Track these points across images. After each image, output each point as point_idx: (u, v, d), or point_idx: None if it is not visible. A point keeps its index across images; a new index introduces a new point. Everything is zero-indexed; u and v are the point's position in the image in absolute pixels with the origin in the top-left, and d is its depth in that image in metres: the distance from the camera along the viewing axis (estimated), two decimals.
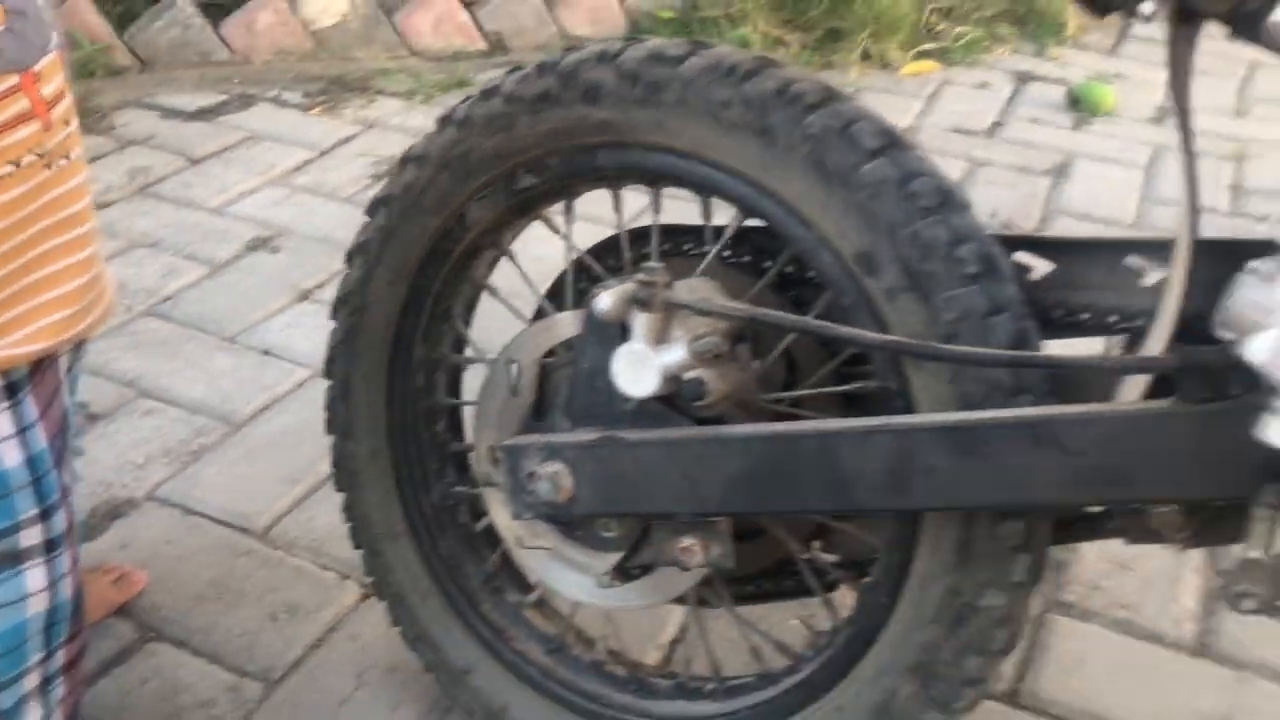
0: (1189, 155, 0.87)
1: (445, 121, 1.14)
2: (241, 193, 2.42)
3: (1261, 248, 0.86)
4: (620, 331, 1.00)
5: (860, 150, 0.96)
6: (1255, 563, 0.76)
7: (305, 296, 2.08)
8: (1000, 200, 2.50)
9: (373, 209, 1.20)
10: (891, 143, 0.97)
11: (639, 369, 0.98)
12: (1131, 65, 3.24)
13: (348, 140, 2.66)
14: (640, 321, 0.97)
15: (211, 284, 2.10)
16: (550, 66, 1.08)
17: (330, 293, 2.06)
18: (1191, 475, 0.81)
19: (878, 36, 3.19)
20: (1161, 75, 2.93)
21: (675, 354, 0.96)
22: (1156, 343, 0.91)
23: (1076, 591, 1.50)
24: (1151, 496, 0.85)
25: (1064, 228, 2.40)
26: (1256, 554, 0.76)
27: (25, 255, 0.95)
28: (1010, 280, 0.96)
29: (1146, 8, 0.78)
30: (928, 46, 3.24)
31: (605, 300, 0.98)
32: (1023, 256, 1.05)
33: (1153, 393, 0.90)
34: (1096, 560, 1.55)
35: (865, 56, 3.16)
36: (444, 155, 1.14)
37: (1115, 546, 1.58)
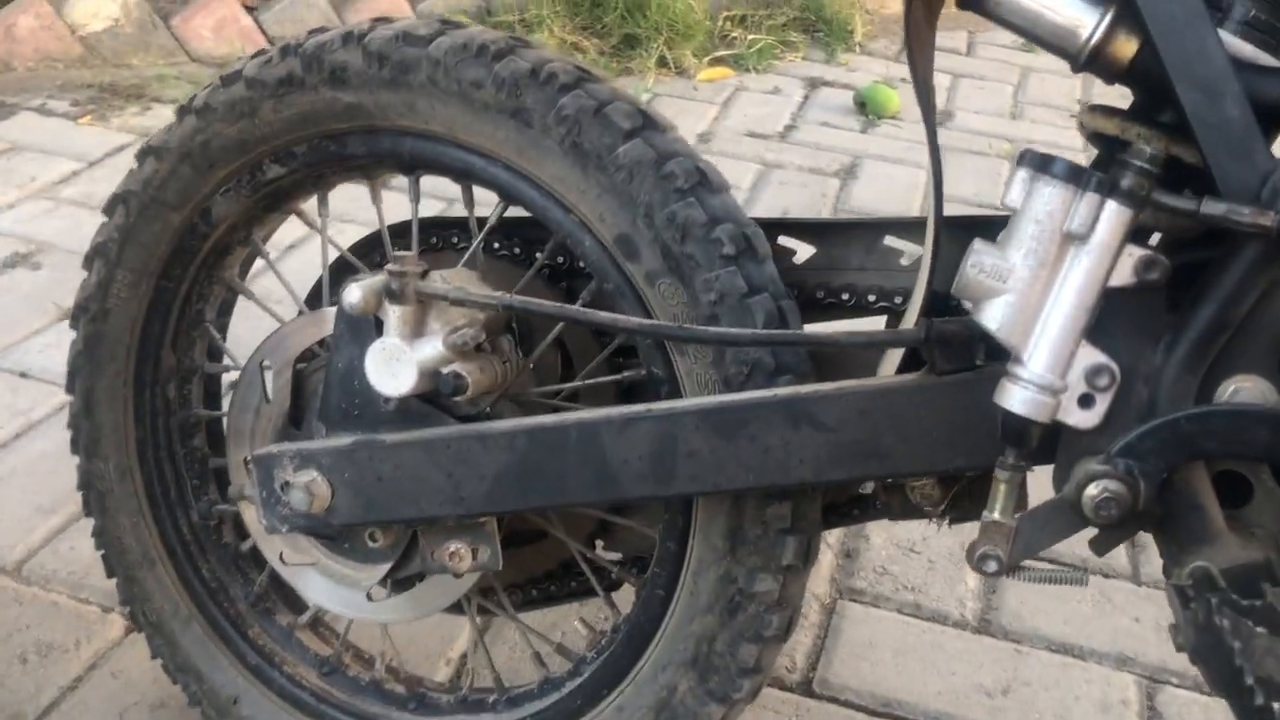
0: (931, 135, 0.88)
1: (185, 110, 1.07)
2: (1, 206, 2.24)
3: (1003, 222, 0.88)
4: (375, 327, 0.95)
5: (616, 131, 0.94)
6: (996, 525, 0.76)
7: (68, 315, 1.93)
8: (792, 200, 2.55)
9: (110, 207, 1.11)
10: (647, 123, 0.95)
11: (394, 365, 0.93)
12: None
13: (120, 150, 2.50)
14: (393, 315, 0.92)
15: None
16: (294, 48, 1.02)
17: None
18: (941, 446, 0.82)
19: (673, 43, 3.21)
20: (944, 80, 3.02)
21: (430, 348, 0.92)
22: (909, 319, 0.92)
23: (866, 577, 1.52)
24: (906, 470, 0.85)
25: None
26: (997, 516, 0.76)
27: None
28: (768, 260, 0.95)
29: None
30: (722, 53, 3.29)
31: (354, 293, 0.93)
32: (786, 240, 1.05)
33: (912, 368, 0.90)
34: (884, 545, 1.58)
35: (662, 63, 3.18)
36: (184, 146, 1.06)
37: (902, 530, 1.61)
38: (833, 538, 1.59)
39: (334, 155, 1.04)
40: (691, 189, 0.93)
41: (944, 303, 0.88)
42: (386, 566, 1.03)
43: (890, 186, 2.63)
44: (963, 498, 0.89)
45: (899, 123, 3.00)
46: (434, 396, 0.95)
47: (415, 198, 1.06)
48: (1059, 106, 3.14)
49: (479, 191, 1.03)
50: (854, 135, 2.92)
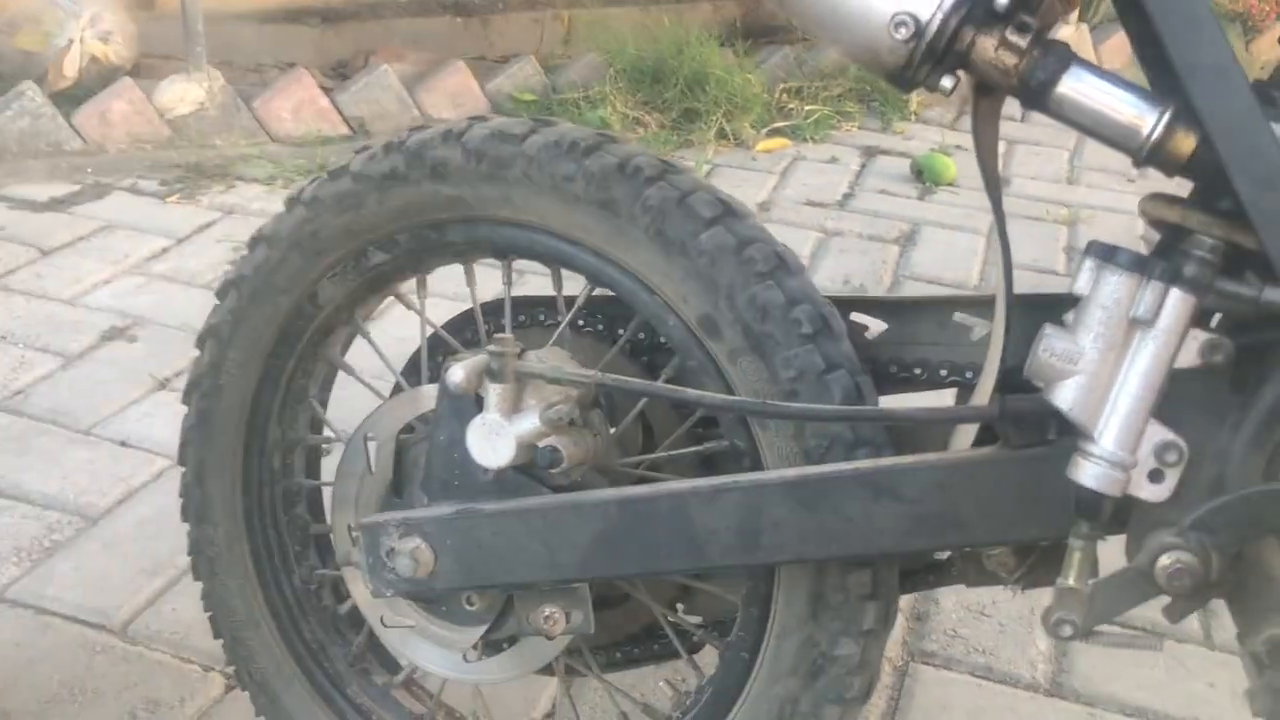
0: (999, 219, 0.94)
1: (294, 201, 1.15)
2: (96, 283, 2.36)
3: (1070, 301, 0.93)
4: (474, 403, 1.01)
5: (698, 219, 1.00)
6: (1071, 591, 0.80)
7: (164, 385, 2.03)
8: (853, 268, 2.60)
9: (223, 291, 1.19)
10: (727, 211, 1.02)
11: (494, 439, 0.99)
12: (969, 138, 3.41)
13: (207, 227, 2.63)
14: (493, 392, 0.99)
15: (65, 376, 2.04)
16: (397, 145, 1.10)
17: None
18: (1016, 517, 0.86)
19: (731, 116, 3.30)
20: (998, 146, 3.08)
21: (528, 423, 0.98)
22: (980, 394, 0.96)
23: (938, 640, 1.55)
24: (983, 540, 0.89)
25: (914, 293, 2.51)
26: (1072, 583, 0.80)
27: None
28: (844, 338, 1.01)
29: (946, 84, 0.85)
30: (780, 124, 3.37)
31: (458, 373, 1.00)
32: (859, 317, 1.11)
33: (984, 442, 0.95)
34: (954, 609, 1.61)
35: (721, 135, 3.27)
36: (294, 235, 1.14)
37: (972, 594, 1.64)
38: (904, 601, 1.61)
39: (434, 243, 1.11)
40: (770, 272, 0.99)
41: (1016, 378, 0.92)
42: (482, 629, 1.08)
43: (949, 253, 2.68)
44: (1037, 565, 0.93)
45: (956, 190, 3.05)
46: (529, 467, 1.01)
47: (508, 280, 1.14)
48: (1115, 171, 3.18)
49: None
50: (912, 202, 2.98)
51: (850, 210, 2.92)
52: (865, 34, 0.83)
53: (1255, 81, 0.83)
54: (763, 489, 0.93)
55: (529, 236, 1.08)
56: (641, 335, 1.13)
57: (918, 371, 1.07)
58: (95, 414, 1.94)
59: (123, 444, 1.88)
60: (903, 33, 0.82)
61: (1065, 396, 0.80)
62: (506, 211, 1.07)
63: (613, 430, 1.07)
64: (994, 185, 0.94)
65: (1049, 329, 0.81)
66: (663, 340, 1.12)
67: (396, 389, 1.22)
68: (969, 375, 1.05)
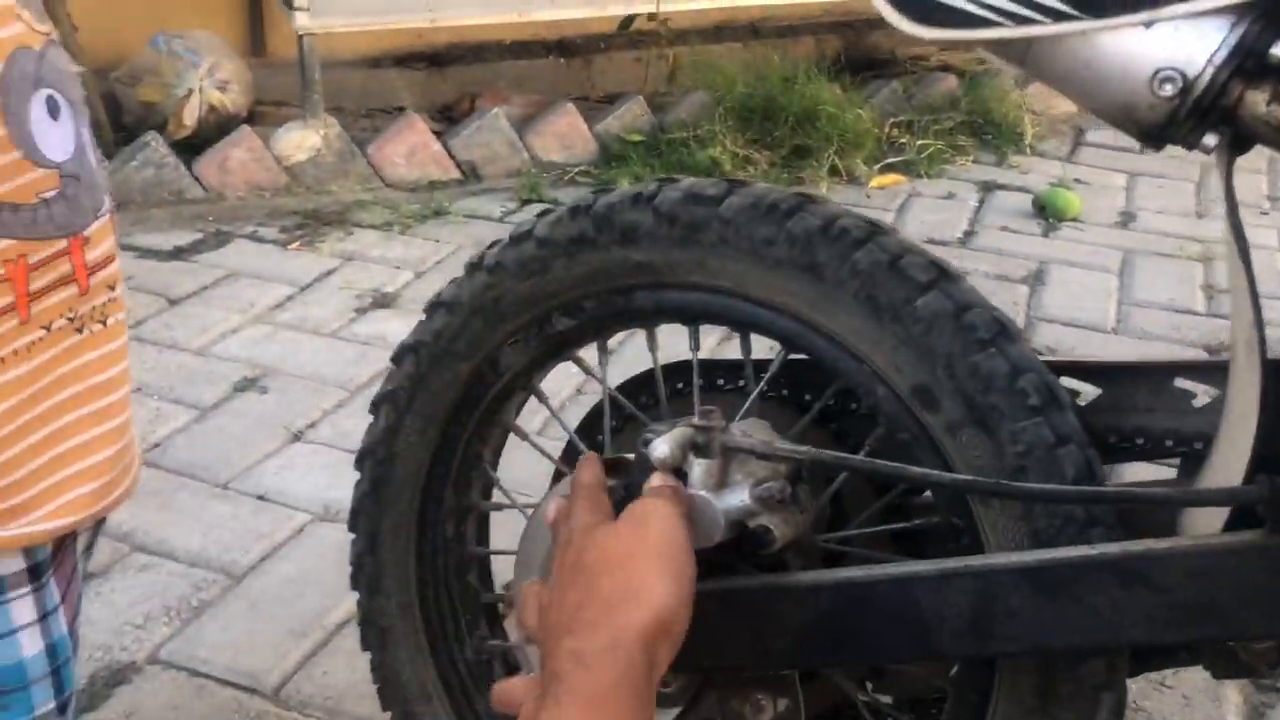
0: (1250, 279, 0.87)
1: (475, 267, 1.13)
2: (224, 332, 2.38)
3: None
4: (679, 478, 0.97)
5: (912, 284, 0.95)
6: None
7: (298, 437, 2.03)
8: None
9: (399, 356, 1.17)
10: (941, 275, 0.97)
11: (701, 518, 0.95)
12: (1089, 171, 3.33)
13: (328, 274, 2.64)
14: (699, 468, 0.94)
15: (200, 428, 2.05)
16: (584, 210, 1.07)
17: (323, 432, 2.04)
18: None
19: (843, 152, 3.25)
20: (1120, 180, 2.99)
21: (738, 500, 0.93)
22: (1224, 469, 0.89)
23: None
24: (1247, 633, 0.82)
25: (1048, 335, 2.43)
26: None
27: (52, 424, 0.90)
28: (1069, 409, 0.95)
29: (1209, 141, 0.79)
30: (892, 160, 3.31)
31: (662, 447, 0.95)
32: (1069, 382, 1.05)
33: (1236, 523, 0.88)
34: (1135, 680, 1.52)
35: (833, 172, 3.22)
36: (476, 301, 1.11)
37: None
38: None
39: (620, 308, 1.08)
40: (992, 339, 0.94)
41: (1273, 455, 0.86)
42: (676, 711, 1.03)
43: (1081, 293, 2.59)
44: None
45: (1080, 226, 2.96)
46: (731, 545, 0.97)
47: (695, 347, 1.09)
48: (1247, 204, 3.06)
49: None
50: (1036, 240, 2.89)
51: (973, 248, 2.85)
52: (1123, 91, 0.78)
53: None
54: (997, 574, 0.87)
55: (722, 302, 1.04)
56: (833, 402, 1.09)
57: (1139, 441, 1.00)
58: (232, 467, 1.93)
59: (261, 498, 1.87)
60: (1167, 89, 0.76)
61: None
62: (699, 276, 1.03)
63: (817, 506, 1.02)
64: (1242, 241, 0.88)
65: None
66: (855, 408, 1.07)
67: (569, 452, 1.18)
68: (1197, 446, 0.98)
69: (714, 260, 1.01)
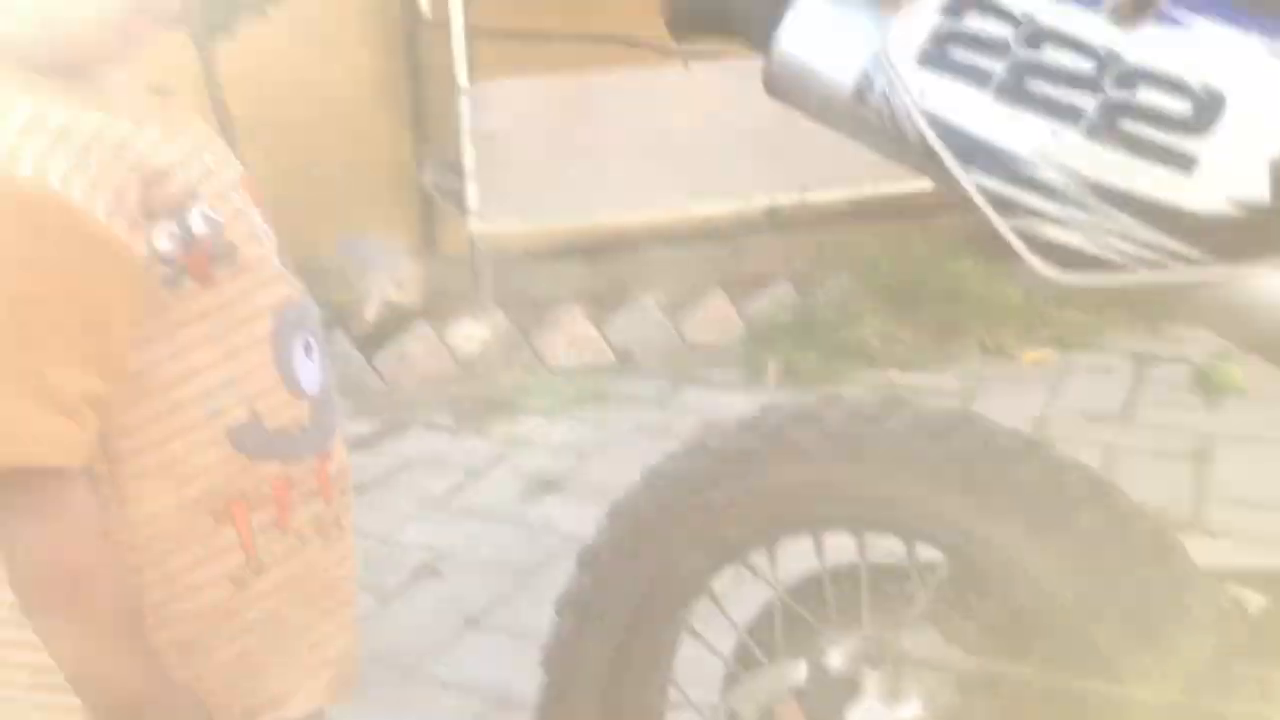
0: None
1: (653, 475, 1.22)
2: (403, 516, 2.53)
3: None
4: (849, 686, 1.02)
5: (1071, 499, 1.01)
6: None
7: (475, 624, 2.13)
8: (1145, 489, 2.49)
9: (584, 563, 1.26)
10: (1102, 490, 1.02)
11: None
12: None
13: (498, 460, 2.79)
14: (873, 679, 1.00)
15: (386, 613, 2.17)
16: (751, 425, 1.16)
17: (500, 618, 2.14)
18: None
19: (991, 327, 3.29)
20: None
21: (912, 713, 0.98)
22: None
23: None
24: None
25: (1220, 516, 2.38)
26: None
27: (299, 622, 1.01)
28: (1241, 622, 0.97)
29: None
30: (1044, 333, 3.32)
31: (836, 656, 1.01)
32: (1237, 591, 1.06)
33: None
34: None
35: (983, 347, 3.25)
36: (657, 507, 1.20)
37: None
38: None
39: (790, 518, 1.15)
40: (1156, 555, 0.98)
41: None
42: None
43: (1253, 470, 2.53)
44: None
45: (1244, 400, 2.91)
46: None
47: (863, 554, 1.16)
48: None
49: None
50: (1198, 414, 2.85)
51: (1132, 423, 2.83)
52: (1270, 326, 0.84)
53: None
54: None
55: (887, 513, 1.10)
56: (1013, 613, 1.12)
57: None
58: (418, 654, 2.04)
59: (443, 685, 1.96)
60: None
61: None
62: (865, 490, 1.10)
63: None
64: None
65: None
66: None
67: (742, 651, 1.24)
68: None
69: (878, 475, 1.09)
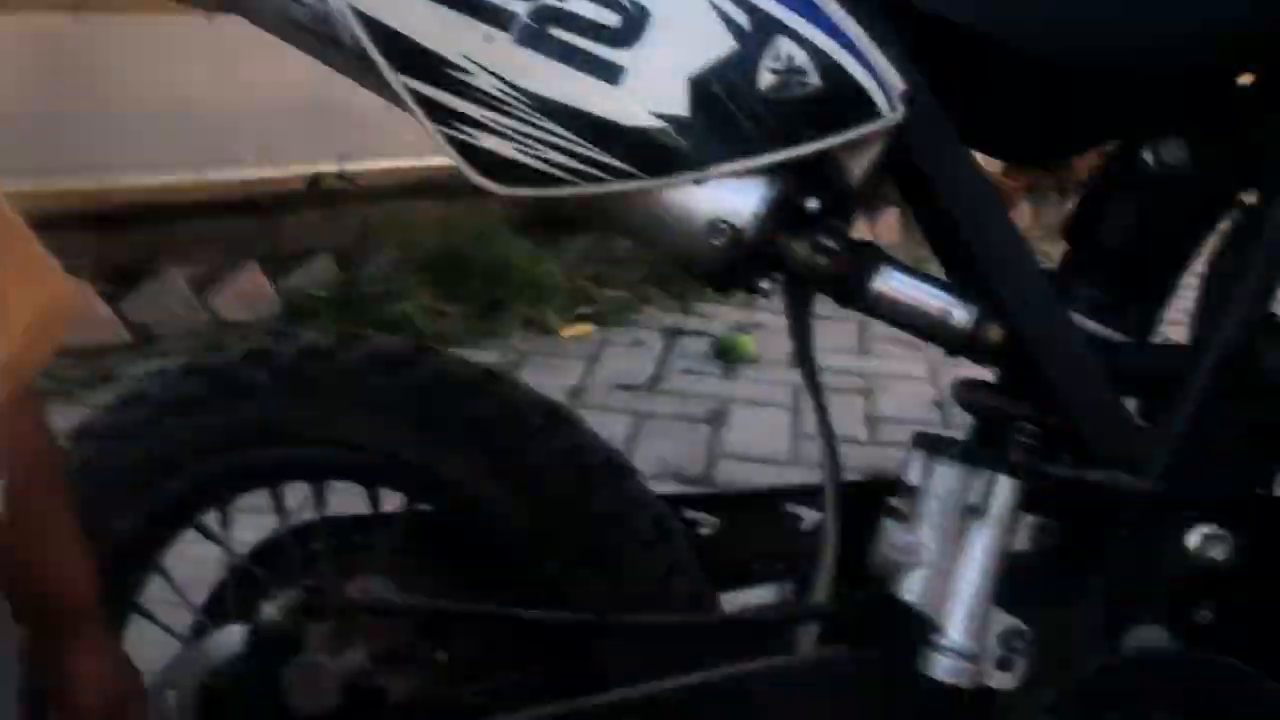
0: (821, 411, 0.95)
1: (84, 433, 1.06)
2: None
3: (895, 485, 0.94)
4: (291, 644, 0.93)
5: (527, 429, 0.98)
6: None
7: None
8: (667, 450, 2.62)
9: None
10: (557, 419, 0.99)
11: (314, 684, 0.91)
12: (767, 315, 3.55)
13: None
14: (312, 631, 0.91)
15: None
16: (197, 368, 1.04)
17: None
18: (867, 718, 0.84)
19: (535, 304, 3.33)
20: (813, 340, 3.15)
21: (353, 662, 0.91)
22: (821, 589, 0.95)
23: None
24: None
25: (728, 471, 2.54)
26: None
27: None
28: (682, 541, 0.98)
29: (764, 285, 0.86)
30: (584, 310, 3.42)
31: (270, 611, 0.92)
32: (690, 514, 1.09)
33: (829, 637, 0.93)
34: None
35: (526, 323, 3.29)
36: (85, 468, 1.05)
37: None
38: None
39: (240, 470, 1.04)
40: (605, 477, 0.97)
41: (853, 570, 0.92)
42: None
43: (760, 430, 2.73)
44: None
45: (757, 367, 3.14)
46: (353, 709, 0.93)
47: (320, 504, 1.07)
48: (903, 340, 3.34)
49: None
50: (717, 381, 3.04)
51: (659, 392, 2.96)
52: (683, 240, 0.84)
53: (1048, 271, 0.89)
54: (603, 712, 0.88)
55: (344, 456, 1.02)
56: (475, 551, 1.08)
57: (754, 568, 1.05)
58: None
59: None
60: (719, 239, 0.83)
61: (910, 589, 0.79)
62: (318, 432, 1.01)
63: (449, 659, 1.00)
64: (812, 377, 0.96)
65: (889, 523, 0.81)
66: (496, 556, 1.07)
67: (198, 629, 1.11)
68: (806, 570, 1.04)
69: (332, 415, 1.00)
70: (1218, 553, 0.77)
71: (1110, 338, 0.83)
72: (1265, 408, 0.82)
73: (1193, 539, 0.77)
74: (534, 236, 3.61)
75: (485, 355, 3.14)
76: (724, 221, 0.82)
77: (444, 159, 0.86)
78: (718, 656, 0.93)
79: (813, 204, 0.83)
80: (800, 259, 0.84)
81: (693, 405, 2.87)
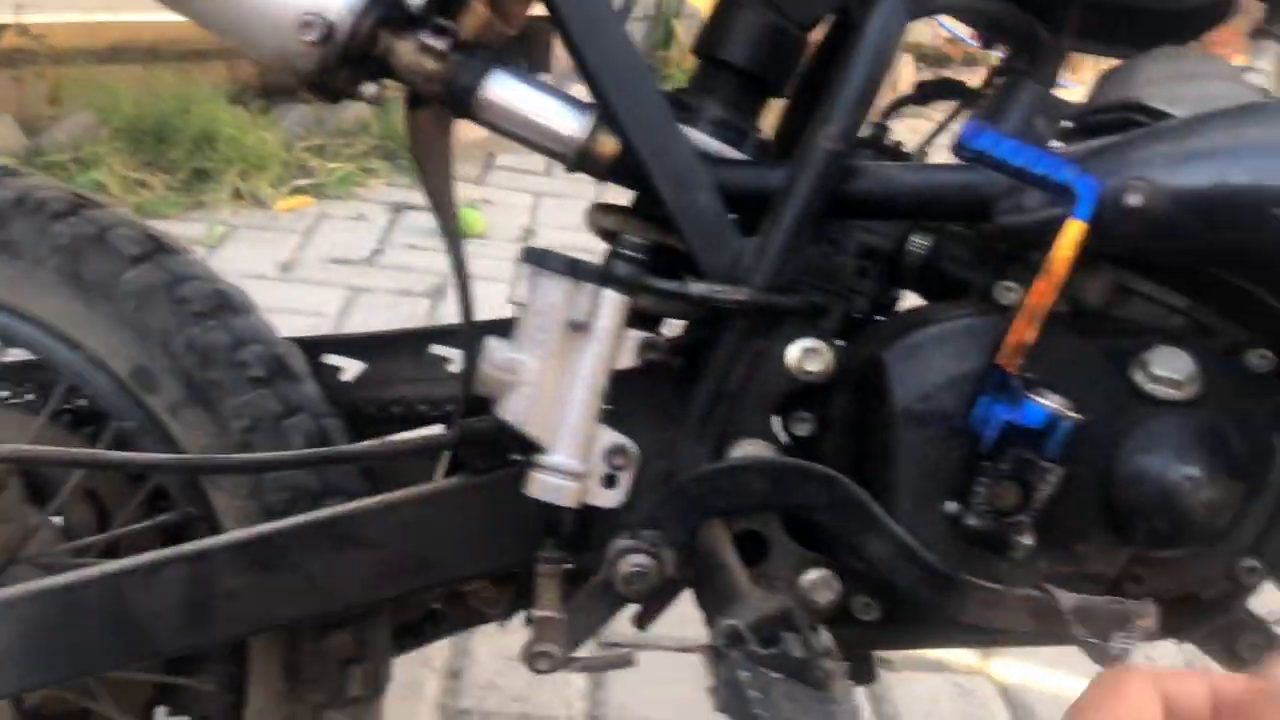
0: (454, 245, 0.90)
1: None
2: None
3: None
4: None
5: (120, 258, 0.88)
6: (546, 620, 0.76)
7: None
8: (382, 322, 2.52)
9: None
10: (156, 248, 0.90)
11: None
12: (497, 192, 3.47)
13: None
14: None
15: None
16: None
17: None
18: (483, 546, 0.81)
19: (247, 175, 3.13)
20: (525, 200, 3.14)
21: None
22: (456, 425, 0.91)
23: (473, 695, 1.49)
24: (455, 576, 0.83)
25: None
26: (545, 611, 0.76)
27: None
28: (306, 380, 0.92)
29: (368, 90, 0.79)
30: (302, 183, 3.24)
31: None
32: (332, 359, 1.02)
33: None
34: (491, 659, 1.55)
35: (237, 195, 3.08)
36: None
37: (510, 642, 1.59)
38: (439, 658, 1.54)
39: None
40: (211, 312, 0.88)
41: (480, 403, 0.88)
42: None
43: (482, 304, 2.67)
44: (518, 597, 0.89)
45: (485, 242, 3.07)
46: None
47: None
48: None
49: None
50: (441, 256, 2.94)
51: (379, 266, 2.85)
52: (273, 37, 0.76)
53: (672, 90, 0.85)
54: (210, 556, 0.81)
55: None
56: (83, 400, 0.98)
57: (397, 410, 1.00)
58: None
59: None
60: (311, 35, 0.75)
61: (513, 409, 0.76)
62: None
63: (48, 516, 0.91)
64: (443, 209, 0.90)
65: (491, 341, 0.77)
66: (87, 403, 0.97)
67: None
68: (450, 409, 1.00)
69: None
70: (815, 365, 0.77)
71: (726, 155, 0.81)
72: (872, 230, 0.83)
73: (792, 353, 0.77)
74: (250, 107, 3.38)
75: (191, 228, 2.94)
76: (315, 15, 0.75)
77: (145, 16, 0.74)
78: (344, 497, 0.88)
79: None
80: (406, 61, 0.78)
81: (413, 280, 2.77)
